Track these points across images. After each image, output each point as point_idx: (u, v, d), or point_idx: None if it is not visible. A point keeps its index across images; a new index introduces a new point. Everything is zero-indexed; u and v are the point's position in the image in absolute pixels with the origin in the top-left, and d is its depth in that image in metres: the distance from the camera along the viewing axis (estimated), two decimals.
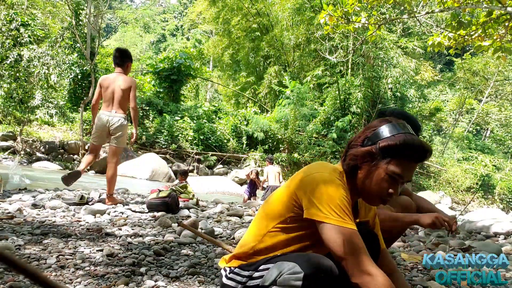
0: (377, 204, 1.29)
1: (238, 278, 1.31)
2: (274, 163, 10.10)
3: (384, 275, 1.12)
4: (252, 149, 15.93)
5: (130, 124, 4.17)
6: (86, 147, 13.16)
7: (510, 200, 18.67)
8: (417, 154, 1.20)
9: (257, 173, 8.93)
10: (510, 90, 21.81)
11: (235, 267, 1.33)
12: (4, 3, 13.30)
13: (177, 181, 6.60)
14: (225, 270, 1.37)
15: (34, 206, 3.54)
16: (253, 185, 8.79)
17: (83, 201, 3.82)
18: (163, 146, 14.67)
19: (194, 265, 2.12)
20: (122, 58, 4.04)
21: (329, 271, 1.13)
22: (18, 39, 13.03)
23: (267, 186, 8.65)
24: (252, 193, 8.74)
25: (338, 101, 16.20)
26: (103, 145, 4.23)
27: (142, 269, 1.97)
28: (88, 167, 4.47)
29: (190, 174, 13.63)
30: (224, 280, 1.35)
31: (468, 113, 24.18)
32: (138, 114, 4.25)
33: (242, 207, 4.96)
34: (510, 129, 24.00)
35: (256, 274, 1.26)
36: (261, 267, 1.26)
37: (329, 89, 17.25)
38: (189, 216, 3.76)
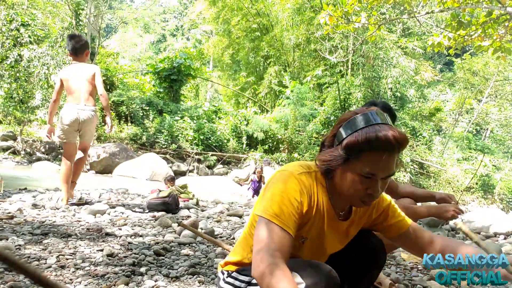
0: (360, 206, 1.21)
1: (237, 283, 1.27)
2: (271, 165, 10.17)
3: (285, 276, 0.98)
4: (252, 149, 15.92)
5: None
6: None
7: (510, 200, 18.66)
8: (385, 146, 1.05)
9: (261, 170, 8.91)
10: (510, 90, 21.79)
11: (233, 271, 1.31)
12: (4, 3, 13.30)
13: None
14: (223, 273, 1.34)
15: (34, 206, 3.54)
16: (257, 183, 8.81)
17: (81, 202, 3.82)
18: (163, 146, 14.66)
19: (194, 265, 2.12)
20: (81, 46, 3.66)
21: (329, 277, 1.10)
22: (18, 39, 13.03)
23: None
24: (256, 191, 8.77)
25: (338, 101, 16.19)
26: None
27: (142, 269, 1.97)
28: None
29: (190, 174, 13.67)
30: (222, 283, 1.32)
31: (468, 113, 24.15)
32: (109, 100, 3.93)
33: (242, 207, 4.96)
34: (510, 129, 23.99)
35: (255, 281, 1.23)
36: None
37: (329, 89, 17.24)
38: (189, 216, 3.76)
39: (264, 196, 1.15)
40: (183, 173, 13.35)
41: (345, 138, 1.10)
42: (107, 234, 2.68)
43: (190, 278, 1.93)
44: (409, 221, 1.32)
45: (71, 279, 1.76)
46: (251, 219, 1.30)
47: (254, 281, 1.23)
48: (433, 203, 2.33)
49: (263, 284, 1.01)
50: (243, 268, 1.28)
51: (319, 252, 1.27)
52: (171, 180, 5.66)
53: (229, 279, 1.30)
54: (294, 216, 1.10)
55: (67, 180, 3.61)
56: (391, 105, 2.36)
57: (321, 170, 1.18)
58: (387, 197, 1.34)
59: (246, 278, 1.26)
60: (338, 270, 1.15)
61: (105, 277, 1.83)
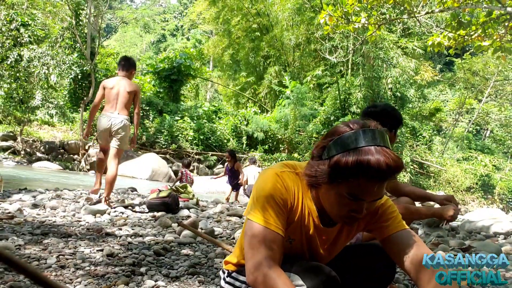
0: (342, 223, 1.16)
1: (237, 283, 1.27)
2: (256, 164, 9.68)
3: (280, 278, 0.98)
4: (252, 149, 15.93)
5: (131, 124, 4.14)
6: (86, 147, 13.17)
7: (510, 200, 18.67)
8: (376, 175, 0.97)
9: (232, 154, 7.64)
10: (510, 90, 21.80)
11: (233, 271, 1.30)
12: (4, 3, 13.30)
13: (182, 171, 6.99)
14: (223, 273, 1.34)
15: (34, 206, 3.54)
16: (234, 175, 7.70)
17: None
18: (163, 146, 14.67)
19: (194, 265, 2.12)
20: (128, 65, 4.11)
21: (328, 279, 1.10)
22: (18, 39, 13.03)
23: (247, 186, 8.58)
24: (234, 186, 7.77)
25: (338, 101, 16.20)
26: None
27: (142, 269, 1.97)
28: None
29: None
30: (222, 283, 1.32)
31: (468, 113, 24.16)
32: (140, 119, 4.34)
33: (242, 207, 4.97)
34: (510, 129, 23.99)
35: None
36: None
37: (329, 89, 17.25)
38: (189, 216, 3.76)
39: (251, 198, 1.15)
40: (181, 173, 13.34)
41: (334, 156, 1.01)
42: (107, 234, 2.68)
43: (190, 278, 1.93)
44: (405, 225, 1.22)
45: (71, 279, 1.76)
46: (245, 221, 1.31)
47: None
48: (433, 204, 2.33)
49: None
50: (243, 268, 1.27)
51: (312, 255, 1.25)
52: (186, 165, 6.84)
53: (229, 279, 1.30)
54: (281, 215, 1.08)
55: (99, 170, 4.23)
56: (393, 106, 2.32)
57: (306, 183, 1.12)
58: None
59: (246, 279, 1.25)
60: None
61: (105, 277, 1.83)
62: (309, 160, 1.14)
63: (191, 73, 18.37)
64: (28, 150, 12.64)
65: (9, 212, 3.11)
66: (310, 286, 1.06)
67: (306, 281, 1.07)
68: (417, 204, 2.75)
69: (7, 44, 12.62)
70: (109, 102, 3.95)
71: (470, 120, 23.68)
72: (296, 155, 15.29)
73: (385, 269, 1.28)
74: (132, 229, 2.94)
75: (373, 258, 1.28)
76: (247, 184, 8.58)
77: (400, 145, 15.24)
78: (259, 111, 18.56)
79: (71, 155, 13.25)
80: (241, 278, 1.26)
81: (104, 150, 4.13)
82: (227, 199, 7.57)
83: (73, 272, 1.86)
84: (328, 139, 1.06)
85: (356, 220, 1.09)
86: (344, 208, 1.06)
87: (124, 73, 4.06)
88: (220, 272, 1.37)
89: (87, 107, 13.62)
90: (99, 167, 4.22)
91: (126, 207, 3.87)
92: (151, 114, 15.76)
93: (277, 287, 0.96)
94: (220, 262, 2.24)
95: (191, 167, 8.62)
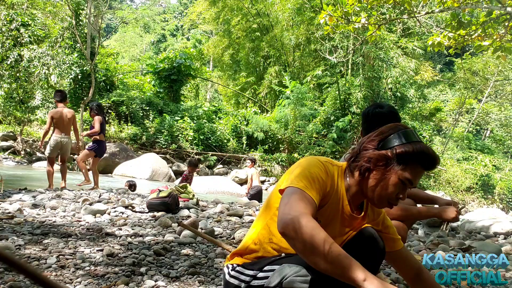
0: (384, 207, 1.30)
1: (242, 277, 1.30)
2: (255, 166, 9.44)
3: (309, 224, 1.02)
4: (252, 149, 15.93)
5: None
6: (86, 147, 13.19)
7: (510, 200, 18.66)
8: (429, 163, 1.21)
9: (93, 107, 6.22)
10: (510, 90, 21.79)
11: (238, 265, 1.33)
12: (4, 3, 13.30)
13: (186, 171, 6.97)
14: (228, 268, 1.37)
15: (34, 206, 3.54)
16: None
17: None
18: (163, 146, 14.67)
19: (194, 265, 2.12)
20: (65, 98, 5.84)
21: None
22: (18, 39, 13.03)
23: (253, 187, 8.54)
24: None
25: (338, 101, 16.20)
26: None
27: (142, 269, 1.97)
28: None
29: None
30: (227, 277, 1.34)
31: (468, 113, 24.15)
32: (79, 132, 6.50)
33: (242, 207, 4.97)
34: (510, 129, 23.99)
35: (261, 274, 1.25)
36: (266, 268, 1.24)
37: (329, 89, 17.25)
38: (189, 216, 3.76)
39: (290, 174, 1.20)
40: (183, 173, 13.35)
41: (399, 145, 1.21)
42: (107, 234, 2.69)
43: (190, 278, 1.93)
44: (402, 244, 1.44)
45: (71, 279, 1.77)
46: (267, 202, 1.33)
47: (259, 275, 1.25)
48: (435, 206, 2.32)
49: (290, 231, 1.02)
50: (250, 262, 1.31)
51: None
52: (193, 165, 6.89)
53: (234, 273, 1.32)
54: (318, 193, 1.17)
55: (52, 176, 5.75)
56: (388, 104, 2.33)
57: (360, 168, 1.25)
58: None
59: (251, 272, 1.28)
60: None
61: (105, 277, 1.83)
62: (350, 153, 1.30)
63: (191, 73, 18.37)
64: (28, 150, 12.64)
65: (9, 212, 3.11)
66: (315, 277, 1.11)
67: (311, 272, 1.12)
68: (419, 206, 2.74)
69: (7, 44, 12.61)
70: (58, 128, 5.65)
71: (470, 120, 23.68)
72: (296, 155, 15.28)
73: (381, 250, 1.34)
74: (132, 229, 2.94)
75: (369, 244, 1.33)
76: (251, 186, 8.56)
77: None
78: (259, 111, 18.55)
79: (71, 155, 13.24)
80: (247, 272, 1.29)
81: (53, 163, 5.74)
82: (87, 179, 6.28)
83: (73, 272, 1.86)
84: (384, 134, 1.25)
85: (397, 204, 1.29)
86: (394, 192, 1.23)
87: (62, 105, 5.69)
88: (224, 268, 1.39)
89: (87, 107, 13.64)
90: (53, 174, 5.70)
91: (126, 207, 3.87)
92: (151, 114, 15.76)
93: (312, 232, 0.99)
94: (220, 262, 2.24)
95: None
